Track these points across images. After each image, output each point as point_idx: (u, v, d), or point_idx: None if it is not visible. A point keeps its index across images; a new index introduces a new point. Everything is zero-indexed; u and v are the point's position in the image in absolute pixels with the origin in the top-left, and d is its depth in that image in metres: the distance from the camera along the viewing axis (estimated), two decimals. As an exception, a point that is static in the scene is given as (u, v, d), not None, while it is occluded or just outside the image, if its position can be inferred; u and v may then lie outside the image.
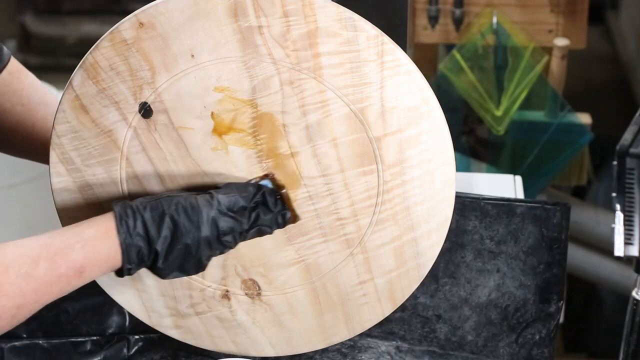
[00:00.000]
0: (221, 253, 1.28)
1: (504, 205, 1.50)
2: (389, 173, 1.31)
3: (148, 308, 1.38)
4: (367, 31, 1.24)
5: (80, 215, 1.30)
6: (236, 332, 1.40)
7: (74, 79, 1.25)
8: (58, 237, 1.21)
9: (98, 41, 1.23)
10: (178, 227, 1.22)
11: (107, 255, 1.21)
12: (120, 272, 1.24)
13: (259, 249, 1.34)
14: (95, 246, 1.20)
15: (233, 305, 1.38)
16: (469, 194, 1.52)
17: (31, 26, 4.22)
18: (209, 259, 1.27)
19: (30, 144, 1.45)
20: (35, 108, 1.44)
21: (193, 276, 1.35)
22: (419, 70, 1.27)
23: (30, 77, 1.46)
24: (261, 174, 1.30)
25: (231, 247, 1.27)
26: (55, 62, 3.98)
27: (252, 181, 1.29)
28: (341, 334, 1.41)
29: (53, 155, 1.29)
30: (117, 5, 4.12)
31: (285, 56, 1.24)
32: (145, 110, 1.26)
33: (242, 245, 1.33)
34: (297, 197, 1.32)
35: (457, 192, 1.35)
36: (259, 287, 1.37)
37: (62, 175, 1.30)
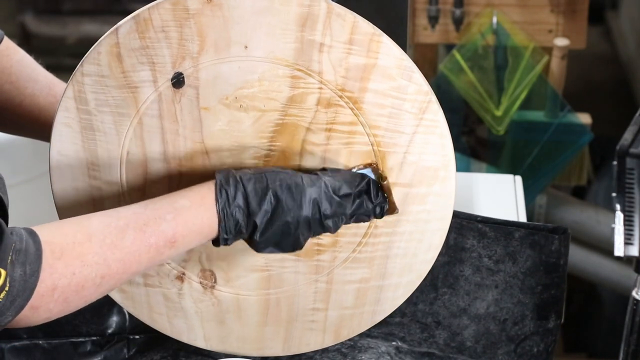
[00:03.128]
0: (318, 235, 1.26)
1: (501, 229, 1.50)
2: (383, 220, 1.31)
3: None
4: (421, 85, 1.25)
5: (71, 155, 1.29)
6: (176, 314, 1.40)
7: (121, 27, 1.23)
8: (150, 206, 1.19)
9: (160, 0, 1.21)
10: (280, 203, 1.21)
11: (201, 226, 1.20)
12: (216, 242, 1.22)
13: (230, 246, 1.34)
14: (188, 217, 1.19)
15: (184, 289, 1.37)
16: (467, 213, 1.51)
17: (31, 26, 4.22)
18: (306, 240, 1.25)
19: (18, 121, 1.45)
20: (24, 85, 1.43)
21: None
22: (450, 136, 1.28)
23: (19, 54, 1.44)
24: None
25: (331, 232, 1.25)
26: (55, 62, 3.97)
27: (355, 169, 1.28)
28: (275, 349, 1.41)
29: (69, 90, 1.26)
30: (117, 5, 4.12)
31: (333, 79, 1.24)
32: (178, 81, 1.25)
33: None
34: None
35: (455, 211, 1.35)
36: (215, 280, 1.37)
37: (70, 111, 1.28)
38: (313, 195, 1.22)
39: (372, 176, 1.28)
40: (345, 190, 1.24)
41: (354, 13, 1.22)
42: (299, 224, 1.22)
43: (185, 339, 1.42)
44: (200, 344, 1.42)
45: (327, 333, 1.39)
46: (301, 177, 1.23)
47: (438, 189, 1.30)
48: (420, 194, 1.30)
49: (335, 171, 1.26)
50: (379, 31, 1.23)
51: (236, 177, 1.21)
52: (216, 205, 1.20)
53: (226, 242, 1.22)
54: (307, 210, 1.22)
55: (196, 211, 1.19)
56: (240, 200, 1.20)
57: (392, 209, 1.29)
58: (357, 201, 1.25)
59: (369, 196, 1.26)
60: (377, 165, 1.27)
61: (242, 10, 1.21)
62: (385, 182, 1.28)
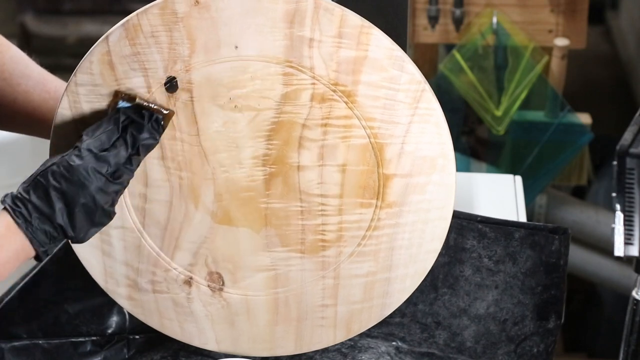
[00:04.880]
0: (125, 188, 1.25)
1: (501, 229, 1.50)
2: (385, 212, 1.31)
3: (108, 272, 1.37)
4: (413, 75, 1.25)
5: None
6: (186, 319, 1.40)
7: (111, 35, 1.23)
8: None
9: (148, 5, 1.22)
10: (66, 194, 1.21)
11: (16, 250, 1.21)
12: (38, 257, 1.23)
13: (235, 247, 1.34)
14: (3, 245, 1.20)
15: (192, 293, 1.38)
16: (467, 213, 1.51)
17: (31, 26, 4.22)
18: (113, 203, 1.24)
19: (13, 118, 1.44)
20: (17, 82, 1.43)
21: (162, 255, 1.35)
22: (446, 124, 1.27)
23: (11, 51, 1.44)
24: (262, 170, 1.28)
25: (130, 177, 1.24)
26: (55, 62, 3.98)
27: (109, 111, 1.25)
28: (287, 348, 1.41)
29: (64, 101, 1.27)
30: (117, 5, 4.12)
31: (325, 74, 1.24)
32: (171, 85, 1.25)
33: (219, 238, 1.33)
34: (290, 210, 1.32)
35: (455, 211, 1.35)
36: (223, 283, 1.37)
37: (66, 122, 1.28)
38: (88, 166, 1.21)
39: (127, 104, 1.24)
40: (109, 139, 1.22)
41: (342, 7, 1.22)
42: (94, 199, 1.22)
43: (196, 342, 1.42)
44: (212, 346, 1.42)
45: (338, 329, 1.39)
46: (66, 159, 1.21)
47: (437, 177, 1.29)
48: (419, 184, 1.30)
49: (92, 128, 1.23)
50: (367, 23, 1.22)
51: (18, 196, 1.21)
52: (20, 229, 1.21)
53: (47, 254, 1.23)
54: (91, 183, 1.21)
55: (6, 239, 1.21)
56: (34, 213, 1.21)
57: (170, 113, 1.26)
58: (129, 137, 1.23)
59: (137, 124, 1.23)
60: (122, 92, 1.25)
61: (230, 11, 1.21)
62: (137, 101, 1.25)
